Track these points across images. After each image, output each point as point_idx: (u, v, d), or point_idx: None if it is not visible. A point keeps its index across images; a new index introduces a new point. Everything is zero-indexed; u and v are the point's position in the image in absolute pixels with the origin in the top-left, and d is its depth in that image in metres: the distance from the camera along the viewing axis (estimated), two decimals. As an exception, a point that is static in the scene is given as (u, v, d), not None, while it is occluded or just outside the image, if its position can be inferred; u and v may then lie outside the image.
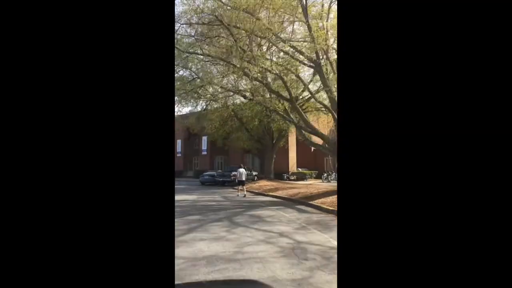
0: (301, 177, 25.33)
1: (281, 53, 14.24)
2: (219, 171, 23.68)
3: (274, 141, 23.48)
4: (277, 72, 13.03)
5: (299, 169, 26.92)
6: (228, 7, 12.17)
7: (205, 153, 31.57)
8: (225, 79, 17.61)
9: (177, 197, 12.64)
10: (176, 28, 13.24)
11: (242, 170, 15.54)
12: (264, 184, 18.97)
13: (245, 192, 14.99)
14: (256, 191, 16.53)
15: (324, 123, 20.04)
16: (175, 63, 14.65)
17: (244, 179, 15.32)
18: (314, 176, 26.32)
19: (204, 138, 30.49)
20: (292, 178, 25.07)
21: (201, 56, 15.12)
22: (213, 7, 12.53)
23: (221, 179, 21.59)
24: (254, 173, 23.49)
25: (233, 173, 19.49)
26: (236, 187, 17.41)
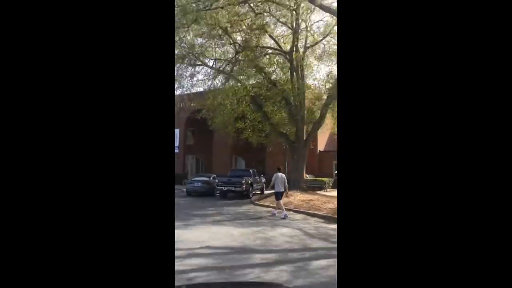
0: (318, 186, 18.71)
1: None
2: (214, 175, 17.18)
3: (305, 137, 16.32)
4: None
5: (307, 175, 19.75)
6: None
7: (177, 150, 24.39)
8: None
9: (196, 238, 6.22)
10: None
11: (280, 175, 10.40)
12: (308, 198, 12.43)
13: (285, 211, 9.84)
14: (319, 213, 10.11)
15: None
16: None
17: (283, 190, 10.29)
18: (331, 184, 19.95)
19: (176, 131, 23.88)
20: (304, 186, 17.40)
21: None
22: None
23: (225, 188, 14.62)
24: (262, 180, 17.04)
25: (245, 178, 15.03)
26: (266, 203, 12.28)
